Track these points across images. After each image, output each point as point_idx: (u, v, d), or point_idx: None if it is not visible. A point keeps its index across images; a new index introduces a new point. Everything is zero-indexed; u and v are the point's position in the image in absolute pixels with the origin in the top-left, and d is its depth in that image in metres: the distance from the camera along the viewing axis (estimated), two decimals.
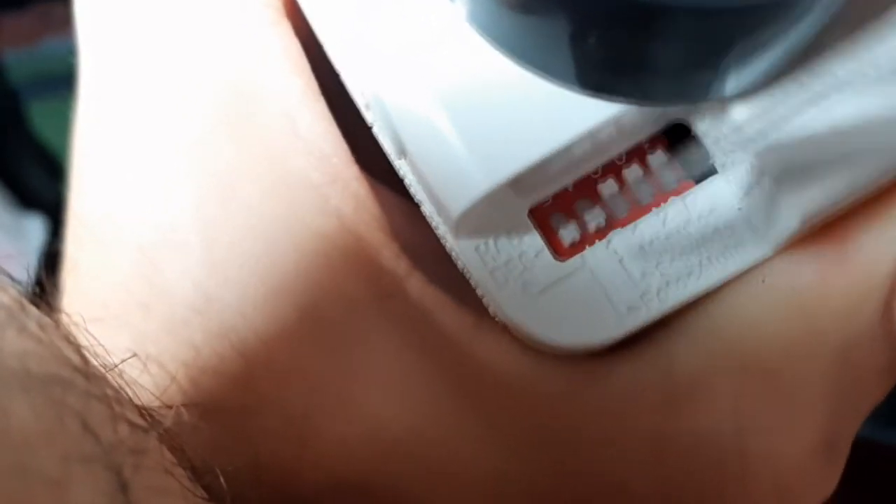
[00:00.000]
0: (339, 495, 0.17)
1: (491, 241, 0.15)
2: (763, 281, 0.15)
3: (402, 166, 0.16)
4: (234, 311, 0.17)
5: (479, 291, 0.15)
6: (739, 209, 0.15)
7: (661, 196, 0.15)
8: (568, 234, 0.15)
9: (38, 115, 0.58)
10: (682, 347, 0.15)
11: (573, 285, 0.15)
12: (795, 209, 0.14)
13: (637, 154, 0.15)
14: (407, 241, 0.17)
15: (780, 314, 0.15)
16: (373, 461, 0.17)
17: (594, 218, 0.15)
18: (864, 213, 0.15)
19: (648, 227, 0.15)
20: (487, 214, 0.15)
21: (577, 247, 0.15)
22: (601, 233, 0.15)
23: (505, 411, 0.16)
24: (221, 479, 0.14)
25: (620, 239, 0.15)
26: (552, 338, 0.15)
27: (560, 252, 0.15)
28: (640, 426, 0.15)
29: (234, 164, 0.17)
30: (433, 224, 0.16)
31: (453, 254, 0.16)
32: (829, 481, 0.16)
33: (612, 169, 0.15)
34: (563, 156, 0.14)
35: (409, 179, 0.16)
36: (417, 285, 0.16)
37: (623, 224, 0.15)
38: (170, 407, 0.15)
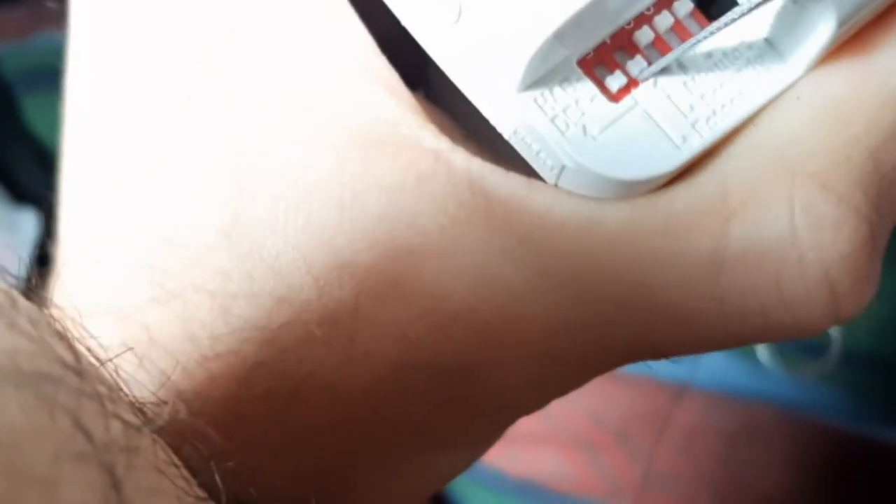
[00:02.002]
0: (396, 381, 0.17)
1: (547, 92, 0.16)
2: (798, 98, 0.16)
3: (449, 38, 0.16)
4: (263, 226, 0.17)
5: (536, 146, 0.16)
6: (766, 39, 0.17)
7: (689, 37, 0.16)
8: (614, 80, 0.16)
9: (31, 108, 0.57)
10: (733, 165, 0.16)
11: (629, 123, 0.16)
12: (831, 15, 0.16)
13: (664, 3, 0.16)
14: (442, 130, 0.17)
15: (818, 124, 0.16)
16: (431, 338, 0.17)
17: (635, 65, 0.16)
18: (880, 26, 0.16)
19: (689, 64, 0.17)
20: (542, 67, 0.16)
21: (625, 90, 0.16)
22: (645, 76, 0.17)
23: (565, 259, 0.16)
24: (217, 478, 0.14)
25: (664, 77, 0.16)
26: (618, 174, 0.16)
27: (611, 96, 0.16)
28: (699, 243, 0.16)
29: (251, 71, 0.17)
30: (478, 97, 0.16)
31: (502, 120, 0.16)
32: (874, 278, 0.16)
33: (644, 19, 0.16)
34: (603, 3, 0.15)
35: (456, 52, 0.16)
36: (463, 156, 0.16)
37: None
38: (165, 402, 0.15)
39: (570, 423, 0.45)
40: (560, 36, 0.15)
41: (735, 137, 0.16)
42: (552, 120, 0.16)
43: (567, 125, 0.16)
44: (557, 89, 0.16)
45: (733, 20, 0.16)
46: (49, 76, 0.55)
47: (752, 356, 0.44)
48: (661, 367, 0.45)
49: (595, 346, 0.17)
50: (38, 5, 0.57)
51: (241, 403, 0.17)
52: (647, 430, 0.44)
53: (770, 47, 0.17)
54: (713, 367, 0.44)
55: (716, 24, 0.16)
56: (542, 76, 0.16)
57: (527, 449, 0.46)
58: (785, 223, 0.16)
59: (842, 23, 0.16)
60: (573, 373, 0.18)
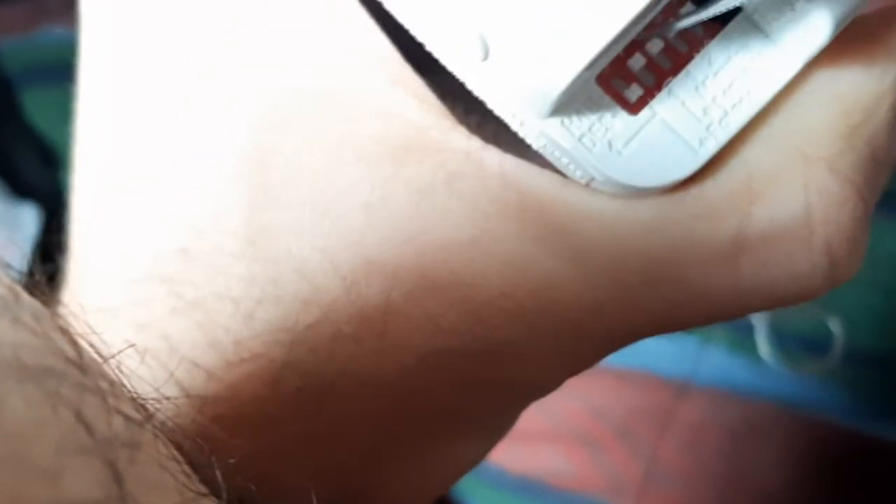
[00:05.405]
0: (427, 368, 0.17)
1: (573, 113, 0.17)
2: (812, 91, 0.18)
3: (479, 73, 0.16)
4: (289, 232, 0.17)
5: (565, 160, 0.17)
6: (767, 36, 0.17)
7: (697, 42, 0.17)
8: (632, 93, 0.17)
9: (32, 104, 0.57)
10: (756, 153, 0.17)
11: (650, 133, 0.17)
12: (827, 19, 0.17)
13: (669, 11, 0.17)
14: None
15: (827, 115, 0.17)
16: (464, 325, 0.17)
17: (649, 74, 0.17)
18: (882, 25, 0.18)
19: (698, 70, 0.17)
20: (568, 94, 0.16)
21: (643, 101, 0.17)
22: (659, 85, 0.17)
23: (599, 246, 0.17)
24: (218, 474, 0.14)
25: (678, 85, 0.17)
26: (643, 183, 0.17)
27: (631, 109, 0.17)
28: (726, 227, 0.17)
29: (283, 85, 0.17)
30: (509, 118, 0.17)
31: (532, 136, 0.17)
32: (864, 249, 0.18)
33: (652, 27, 0.17)
34: (635, 24, 0.16)
35: (486, 85, 0.16)
36: (495, 154, 0.17)
37: (674, 73, 0.17)
38: (167, 398, 0.15)
39: (571, 420, 0.45)
40: (589, 67, 0.16)
41: (756, 128, 0.17)
42: (579, 140, 0.17)
43: (593, 143, 0.17)
44: (582, 110, 0.17)
45: (727, 8, 0.16)
46: (50, 71, 0.55)
47: (755, 353, 0.44)
48: (664, 364, 0.45)
49: (624, 323, 0.17)
50: (39, 1, 0.57)
51: (271, 403, 0.17)
52: (650, 427, 0.44)
53: (771, 44, 0.17)
54: (716, 364, 0.44)
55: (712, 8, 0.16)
56: (566, 101, 0.16)
57: (528, 445, 0.46)
58: (801, 203, 0.17)
59: (838, 25, 0.17)
60: (597, 349, 0.19)
